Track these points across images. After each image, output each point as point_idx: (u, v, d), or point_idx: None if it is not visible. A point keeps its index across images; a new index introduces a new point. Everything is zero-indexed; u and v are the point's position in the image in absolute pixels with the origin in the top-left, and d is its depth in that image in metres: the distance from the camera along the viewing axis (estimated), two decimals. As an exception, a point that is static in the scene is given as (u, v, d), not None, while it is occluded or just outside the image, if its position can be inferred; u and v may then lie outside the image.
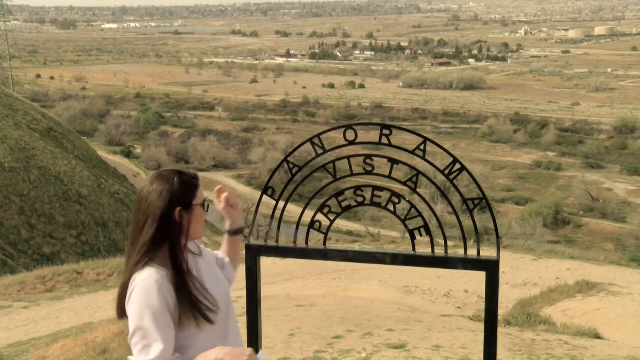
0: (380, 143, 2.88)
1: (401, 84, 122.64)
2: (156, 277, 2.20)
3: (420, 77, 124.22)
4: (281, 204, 3.01)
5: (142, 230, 2.26)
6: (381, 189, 2.95)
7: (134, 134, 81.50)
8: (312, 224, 3.04)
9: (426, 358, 6.47)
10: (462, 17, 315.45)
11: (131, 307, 2.20)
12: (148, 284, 2.18)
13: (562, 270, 15.74)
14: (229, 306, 2.44)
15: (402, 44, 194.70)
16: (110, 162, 45.25)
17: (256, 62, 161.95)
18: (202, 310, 2.25)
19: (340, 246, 7.25)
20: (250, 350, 2.22)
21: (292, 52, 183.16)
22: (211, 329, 2.30)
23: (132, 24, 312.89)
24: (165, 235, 2.26)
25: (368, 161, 2.85)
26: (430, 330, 7.91)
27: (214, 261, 2.59)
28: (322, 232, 3.06)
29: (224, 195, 2.68)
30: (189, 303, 2.22)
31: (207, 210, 2.40)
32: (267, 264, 14.54)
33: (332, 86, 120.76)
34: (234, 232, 2.80)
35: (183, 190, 2.31)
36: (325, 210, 2.96)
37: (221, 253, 2.74)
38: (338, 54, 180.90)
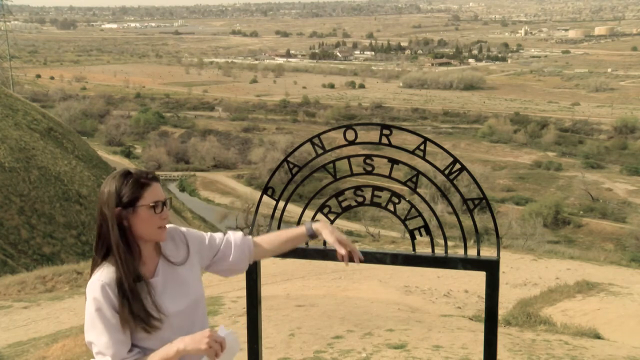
0: (380, 143, 2.88)
1: (401, 84, 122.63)
2: (103, 279, 2.20)
3: (420, 77, 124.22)
4: (281, 204, 3.01)
5: (96, 230, 2.29)
6: (381, 189, 2.95)
7: (134, 134, 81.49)
8: (312, 224, 3.04)
9: (426, 358, 6.47)
10: (462, 17, 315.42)
11: (86, 309, 2.22)
12: (95, 286, 2.19)
13: (562, 270, 15.73)
14: (196, 312, 2.37)
15: (402, 44, 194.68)
16: (110, 162, 45.27)
17: (256, 62, 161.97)
18: (140, 316, 2.20)
19: (340, 246, 7.21)
20: (208, 331, 2.22)
21: (292, 52, 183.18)
22: (166, 335, 2.26)
23: (132, 24, 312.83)
24: (108, 235, 2.24)
25: (368, 161, 2.85)
26: (430, 330, 7.91)
27: (197, 260, 2.45)
28: (322, 232, 3.06)
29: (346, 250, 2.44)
30: (128, 307, 2.19)
31: (159, 212, 2.26)
32: (267, 264, 14.54)
33: (332, 86, 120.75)
34: (312, 235, 2.57)
35: (126, 190, 2.24)
36: (325, 210, 2.96)
37: (234, 237, 2.54)
38: (338, 54, 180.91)
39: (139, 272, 2.26)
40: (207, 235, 2.54)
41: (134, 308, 2.20)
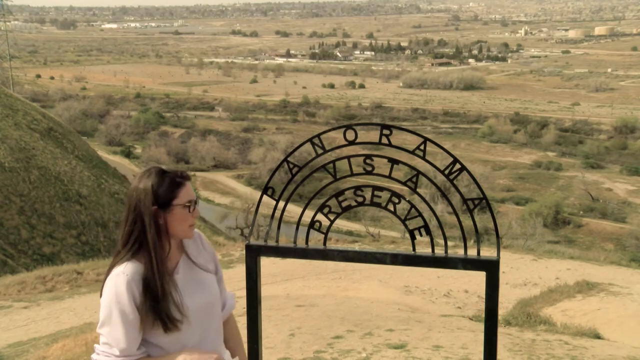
0: (380, 143, 2.88)
1: (401, 84, 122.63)
2: (128, 273, 2.21)
3: (420, 77, 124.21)
4: (281, 204, 3.01)
5: (125, 225, 2.30)
6: (381, 189, 2.95)
7: (134, 134, 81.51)
8: (312, 224, 3.04)
9: (426, 358, 6.47)
10: (462, 17, 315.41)
11: (102, 299, 2.24)
12: (119, 279, 2.21)
13: (562, 270, 15.73)
14: (212, 315, 2.40)
15: (402, 44, 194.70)
16: (110, 162, 45.28)
17: (256, 62, 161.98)
18: (163, 315, 2.22)
19: (340, 246, 7.24)
20: (216, 355, 2.25)
21: (292, 52, 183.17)
22: (182, 334, 2.28)
23: (132, 24, 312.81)
24: (142, 232, 2.26)
25: (368, 161, 2.85)
26: (430, 330, 7.91)
27: (212, 268, 2.49)
28: (322, 232, 3.06)
29: None
30: (152, 305, 2.21)
31: (192, 211, 2.32)
32: (267, 264, 14.55)
33: (332, 86, 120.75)
34: None
35: (163, 189, 2.27)
36: (325, 210, 2.96)
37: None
38: (338, 54, 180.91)
39: (168, 269, 2.29)
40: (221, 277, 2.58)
41: (160, 306, 2.21)
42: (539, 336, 7.92)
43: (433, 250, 2.88)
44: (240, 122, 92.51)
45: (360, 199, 2.91)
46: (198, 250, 2.45)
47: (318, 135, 2.94)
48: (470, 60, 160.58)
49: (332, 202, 2.96)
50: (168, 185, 2.29)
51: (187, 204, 2.30)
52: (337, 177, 2.95)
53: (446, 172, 2.84)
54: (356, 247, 13.19)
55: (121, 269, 2.23)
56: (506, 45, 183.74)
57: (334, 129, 3.13)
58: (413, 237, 2.94)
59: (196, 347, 2.31)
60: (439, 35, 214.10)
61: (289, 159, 2.97)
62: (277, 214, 2.99)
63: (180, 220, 2.29)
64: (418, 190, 2.90)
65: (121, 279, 2.21)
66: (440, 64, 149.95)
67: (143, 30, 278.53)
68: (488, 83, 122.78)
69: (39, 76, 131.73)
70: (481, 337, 2.81)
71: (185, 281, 2.34)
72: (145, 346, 2.28)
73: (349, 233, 38.14)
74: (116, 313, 2.19)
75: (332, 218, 2.96)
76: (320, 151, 2.96)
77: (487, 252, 3.61)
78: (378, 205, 2.95)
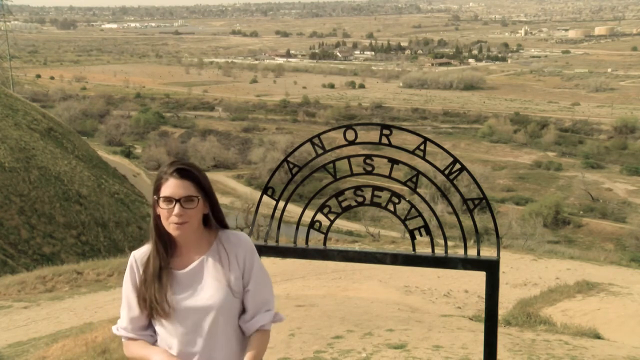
0: (380, 143, 2.89)
1: (401, 84, 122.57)
2: (136, 255, 2.33)
3: (420, 77, 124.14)
4: (281, 204, 3.01)
5: None
6: (381, 189, 2.95)
7: (134, 134, 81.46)
8: (312, 224, 3.05)
9: (426, 358, 6.46)
10: (462, 17, 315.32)
11: None
12: (130, 258, 2.35)
13: (562, 270, 15.73)
14: (203, 322, 2.29)
15: (402, 44, 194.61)
16: (110, 162, 45.25)
17: (256, 62, 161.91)
18: (149, 301, 2.25)
19: (340, 246, 7.25)
20: None
21: (292, 52, 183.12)
22: (170, 327, 2.28)
23: (132, 24, 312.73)
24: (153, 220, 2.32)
25: (368, 161, 2.85)
26: (430, 330, 7.91)
27: (225, 278, 2.35)
28: (322, 232, 3.06)
29: None
30: (145, 287, 2.27)
31: (172, 207, 2.21)
32: (267, 264, 14.52)
33: (332, 86, 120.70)
34: None
35: (155, 181, 2.32)
36: (325, 210, 2.96)
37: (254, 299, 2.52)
38: (338, 54, 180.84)
39: (165, 260, 2.29)
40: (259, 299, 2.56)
41: (149, 290, 2.27)
42: (539, 336, 7.91)
43: (433, 250, 2.88)
44: (240, 122, 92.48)
45: (360, 199, 2.91)
46: (228, 255, 2.37)
47: (318, 135, 2.94)
48: (470, 60, 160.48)
49: (332, 202, 2.96)
50: (156, 177, 2.33)
51: (166, 200, 2.24)
52: (337, 177, 2.96)
53: (446, 172, 2.85)
54: (356, 247, 13.21)
55: (135, 251, 2.35)
56: (506, 45, 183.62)
57: (334, 129, 3.13)
58: (413, 237, 2.94)
59: (185, 345, 2.28)
60: (439, 35, 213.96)
61: (289, 159, 2.97)
62: (277, 214, 2.99)
63: (163, 215, 2.26)
64: (418, 190, 2.90)
65: (131, 258, 2.34)
66: (440, 64, 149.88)
67: (143, 30, 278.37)
68: (488, 83, 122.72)
69: (39, 76, 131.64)
70: (481, 337, 2.81)
71: (188, 281, 2.30)
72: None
73: (349, 233, 38.10)
74: (123, 290, 2.33)
75: (332, 218, 2.96)
76: (320, 151, 2.96)
77: (487, 252, 3.62)
78: (378, 205, 2.95)
